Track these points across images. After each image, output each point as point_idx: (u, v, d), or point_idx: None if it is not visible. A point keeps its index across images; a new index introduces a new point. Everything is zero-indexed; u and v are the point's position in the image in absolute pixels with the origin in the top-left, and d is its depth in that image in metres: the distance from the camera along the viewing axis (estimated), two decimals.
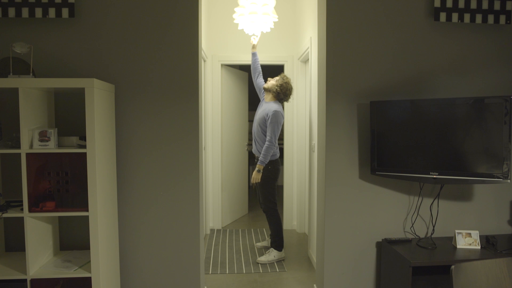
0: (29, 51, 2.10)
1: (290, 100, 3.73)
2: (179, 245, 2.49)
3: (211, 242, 4.23)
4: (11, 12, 2.26)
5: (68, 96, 2.35)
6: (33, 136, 2.00)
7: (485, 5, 2.45)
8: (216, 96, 4.59)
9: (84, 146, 2.04)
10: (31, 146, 2.01)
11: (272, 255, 3.67)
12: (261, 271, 3.46)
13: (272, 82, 3.61)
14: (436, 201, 2.54)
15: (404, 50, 2.51)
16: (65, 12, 2.29)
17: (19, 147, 2.01)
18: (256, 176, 3.54)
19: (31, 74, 2.06)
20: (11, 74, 2.02)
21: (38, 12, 2.27)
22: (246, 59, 4.50)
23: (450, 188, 2.58)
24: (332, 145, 2.51)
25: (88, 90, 1.98)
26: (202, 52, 3.75)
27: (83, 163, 2.01)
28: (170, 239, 2.48)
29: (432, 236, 2.54)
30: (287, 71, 4.52)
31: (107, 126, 2.24)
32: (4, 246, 2.38)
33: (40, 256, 2.15)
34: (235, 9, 3.27)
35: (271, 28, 3.95)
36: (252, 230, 4.70)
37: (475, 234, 2.33)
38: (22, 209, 2.03)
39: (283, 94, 3.55)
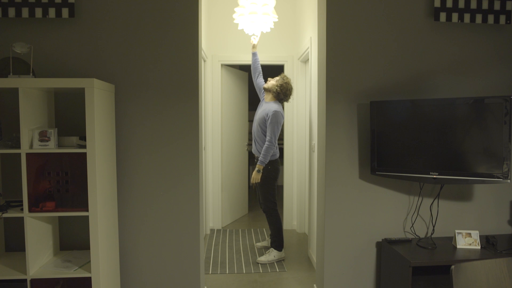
0: (29, 51, 2.10)
1: (290, 100, 3.73)
2: (179, 245, 2.49)
3: (211, 242, 4.23)
4: (11, 12, 2.26)
5: (68, 96, 2.36)
6: (33, 136, 2.00)
7: (485, 5, 2.45)
8: (216, 96, 4.59)
9: (84, 146, 2.04)
10: (31, 146, 2.01)
11: (272, 255, 3.67)
12: (261, 271, 3.46)
13: (272, 82, 3.61)
14: (436, 201, 2.54)
15: (404, 50, 2.51)
16: (65, 12, 2.29)
17: (19, 147, 2.01)
18: (256, 176, 3.54)
19: (31, 74, 2.06)
20: (11, 74, 2.02)
21: (38, 12, 2.27)
22: (246, 59, 4.50)
23: (450, 188, 2.58)
24: (332, 145, 2.51)
25: (88, 90, 1.98)
26: (202, 52, 3.75)
27: (83, 163, 2.02)
28: (170, 239, 2.48)
29: (432, 236, 2.54)
30: (287, 71, 4.52)
31: (107, 126, 2.24)
32: (4, 246, 2.38)
33: (40, 256, 2.15)
34: (235, 9, 3.27)
35: (271, 28, 3.96)
36: (252, 230, 4.70)
37: (475, 234, 2.33)
38: (22, 209, 2.03)
39: (283, 94, 3.55)
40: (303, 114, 4.38)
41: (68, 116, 2.36)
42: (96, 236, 2.03)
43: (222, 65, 4.60)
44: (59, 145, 2.11)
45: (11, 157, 2.33)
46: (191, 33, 2.42)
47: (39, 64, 2.34)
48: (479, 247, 2.31)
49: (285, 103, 4.03)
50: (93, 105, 1.98)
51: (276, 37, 4.51)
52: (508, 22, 2.47)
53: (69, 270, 2.08)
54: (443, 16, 2.44)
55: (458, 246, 2.33)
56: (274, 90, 3.55)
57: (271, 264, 3.62)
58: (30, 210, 2.00)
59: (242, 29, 4.22)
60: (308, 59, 4.01)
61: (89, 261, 2.15)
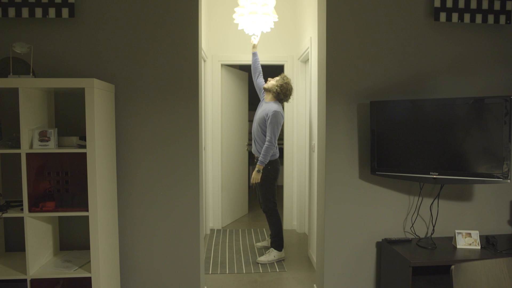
0: (29, 51, 2.10)
1: (290, 100, 3.73)
2: (179, 245, 2.49)
3: (211, 242, 4.23)
4: (11, 12, 2.26)
5: (68, 96, 2.36)
6: (33, 136, 2.00)
7: (485, 5, 2.45)
8: (216, 96, 4.59)
9: (84, 146, 2.04)
10: (31, 146, 2.01)
11: (272, 255, 3.67)
12: (261, 271, 3.46)
13: (272, 82, 3.61)
14: (436, 201, 2.54)
15: (404, 50, 2.51)
16: (65, 12, 2.29)
17: (19, 147, 2.01)
18: (255, 176, 3.54)
19: (31, 74, 2.06)
20: (11, 74, 2.02)
21: (38, 12, 2.27)
22: (246, 59, 4.50)
23: (450, 188, 2.58)
24: (332, 145, 2.51)
25: (88, 90, 1.98)
26: (202, 52, 3.75)
27: (83, 163, 2.02)
28: (170, 239, 2.48)
29: (432, 236, 2.54)
30: (287, 71, 4.52)
31: (107, 126, 2.24)
32: (4, 246, 2.38)
33: (40, 256, 2.15)
34: (235, 9, 3.27)
35: (271, 28, 3.95)
36: (252, 230, 4.70)
37: (475, 234, 2.33)
38: (22, 209, 2.03)
39: (283, 94, 3.55)
40: (303, 114, 4.38)
41: (68, 116, 2.36)
42: (96, 236, 2.03)
43: (222, 65, 4.60)
44: (59, 145, 2.11)
45: (11, 157, 2.33)
46: (191, 33, 2.42)
47: (39, 64, 2.34)
48: (479, 247, 2.31)
49: (285, 103, 4.03)
50: (93, 105, 1.98)
51: (276, 37, 4.51)
52: (508, 22, 2.47)
53: (69, 270, 2.08)
54: (443, 16, 2.44)
55: (458, 246, 2.33)
56: (274, 90, 3.55)
57: (271, 264, 3.62)
58: (30, 210, 2.00)
59: (242, 29, 4.22)
60: (308, 59, 4.01)
61: (89, 261, 2.15)
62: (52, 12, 2.28)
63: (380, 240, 2.57)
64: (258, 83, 3.81)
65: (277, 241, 3.69)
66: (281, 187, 4.83)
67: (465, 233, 2.35)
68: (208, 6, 4.39)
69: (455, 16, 2.44)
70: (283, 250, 3.73)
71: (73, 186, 2.10)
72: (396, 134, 2.37)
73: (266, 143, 3.47)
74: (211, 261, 3.68)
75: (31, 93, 2.03)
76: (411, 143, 2.34)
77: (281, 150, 4.96)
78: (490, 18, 2.46)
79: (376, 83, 2.51)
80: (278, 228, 3.69)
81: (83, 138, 2.11)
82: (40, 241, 2.14)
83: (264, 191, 3.62)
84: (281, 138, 5.34)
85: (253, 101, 5.45)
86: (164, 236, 2.48)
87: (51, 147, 2.01)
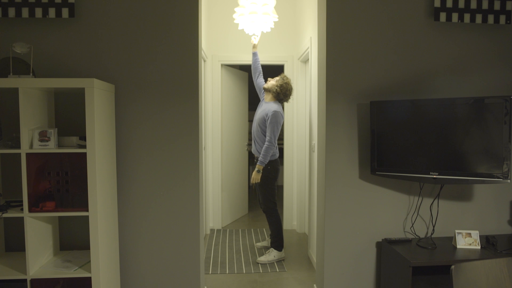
0: (29, 51, 2.10)
1: (290, 100, 3.73)
2: (179, 245, 2.49)
3: (211, 242, 4.23)
4: (11, 12, 2.26)
5: (68, 96, 2.36)
6: (33, 136, 2.00)
7: (485, 5, 2.45)
8: (216, 96, 4.59)
9: (84, 146, 2.04)
10: (31, 146, 2.01)
11: (272, 255, 3.67)
12: (261, 271, 3.46)
13: (272, 82, 3.61)
14: (436, 201, 2.54)
15: (404, 50, 2.51)
16: (65, 12, 2.29)
17: (19, 147, 2.01)
18: (255, 176, 3.54)
19: (31, 74, 2.06)
20: (11, 74, 2.02)
21: (38, 12, 2.27)
22: (246, 59, 4.50)
23: (450, 188, 2.58)
24: (332, 145, 2.51)
25: (88, 90, 1.98)
26: (202, 52, 3.75)
27: (83, 163, 2.01)
28: (170, 239, 2.48)
29: (432, 236, 2.54)
30: (287, 71, 4.52)
31: (107, 126, 2.24)
32: (4, 246, 2.38)
33: (40, 256, 2.15)
34: (235, 9, 3.27)
35: (271, 28, 3.95)
36: (252, 230, 4.70)
37: (475, 234, 2.33)
38: (22, 209, 2.03)
39: (283, 94, 3.55)
40: (303, 114, 4.38)
41: (68, 116, 2.36)
42: (96, 236, 2.03)
43: (222, 65, 4.60)
44: (59, 145, 2.11)
45: (11, 157, 2.33)
46: (191, 33, 2.42)
47: (39, 64, 2.34)
48: (479, 247, 2.31)
49: (285, 103, 4.03)
50: (93, 105, 1.98)
51: (276, 37, 4.51)
52: (508, 22, 2.47)
53: (69, 270, 2.08)
54: (443, 16, 2.44)
55: (458, 246, 2.33)
56: (274, 90, 3.55)
57: (271, 264, 3.62)
58: (30, 210, 2.00)
59: (242, 29, 4.21)
60: (308, 59, 4.01)
61: (89, 261, 2.15)
62: (52, 12, 2.28)
63: (380, 240, 2.57)
64: (258, 83, 3.81)
65: (277, 241, 3.69)
66: (281, 187, 4.83)
67: (465, 233, 2.35)
68: (208, 6, 4.39)
69: (455, 16, 2.44)
70: (283, 250, 3.73)
71: (73, 186, 2.10)
72: (396, 134, 2.37)
73: (266, 143, 3.47)
74: (211, 261, 3.68)
75: (31, 93, 2.03)
76: (411, 143, 2.34)
77: (281, 150, 4.95)
78: (490, 18, 2.46)
79: (376, 83, 2.51)
80: (278, 228, 3.69)
81: (83, 138, 2.11)
82: (40, 241, 2.14)
83: (264, 191, 3.62)
84: (281, 138, 5.33)
85: (253, 101, 5.44)
86: (164, 236, 2.48)
87: (51, 147, 2.01)
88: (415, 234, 2.58)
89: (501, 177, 2.13)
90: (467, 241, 2.33)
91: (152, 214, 2.47)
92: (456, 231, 2.36)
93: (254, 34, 3.79)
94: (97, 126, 2.04)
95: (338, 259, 2.56)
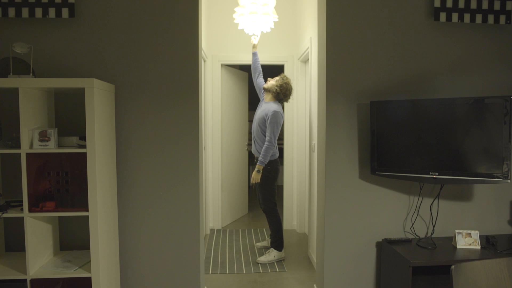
0: (29, 51, 2.10)
1: (290, 100, 3.72)
2: (179, 245, 2.49)
3: (211, 242, 4.23)
4: (11, 12, 2.26)
5: (68, 96, 2.36)
6: (33, 136, 2.00)
7: (485, 5, 2.45)
8: (216, 96, 4.59)
9: (84, 146, 2.04)
10: (31, 146, 2.01)
11: (272, 255, 3.67)
12: (261, 271, 3.46)
13: (272, 82, 3.61)
14: (436, 201, 2.54)
15: (404, 50, 2.51)
16: (65, 12, 2.29)
17: (19, 147, 2.01)
18: (255, 176, 3.54)
19: (31, 74, 2.06)
20: (11, 74, 2.02)
21: (38, 12, 2.27)
22: (246, 59, 4.50)
23: (450, 188, 2.58)
24: (332, 145, 2.51)
25: (88, 90, 1.98)
26: (202, 52, 3.75)
27: (83, 163, 2.01)
28: (170, 239, 2.48)
29: (432, 236, 2.54)
30: (287, 71, 4.52)
31: (107, 126, 2.24)
32: (4, 246, 2.38)
33: (40, 256, 2.15)
34: (235, 9, 3.27)
35: (271, 28, 3.95)
36: (252, 230, 4.70)
37: (475, 234, 2.33)
38: (22, 209, 2.03)
39: (282, 94, 3.55)
40: (303, 114, 4.38)
41: (68, 116, 2.36)
42: (96, 236, 2.03)
43: (222, 65, 4.60)
44: (59, 145, 2.11)
45: (11, 157, 2.33)
46: (191, 33, 2.42)
47: (39, 64, 2.34)
48: (479, 247, 2.31)
49: (285, 103, 4.03)
50: (93, 105, 1.98)
51: (276, 37, 4.51)
52: (508, 22, 2.47)
53: (69, 270, 2.08)
54: (443, 16, 2.44)
55: (458, 246, 2.33)
56: (274, 90, 3.55)
57: (271, 264, 3.62)
58: (30, 210, 2.00)
59: (242, 29, 4.21)
60: (308, 59, 4.01)
61: (89, 261, 2.15)
62: (52, 12, 2.28)
63: (380, 240, 2.57)
64: (258, 83, 3.81)
65: (277, 241, 3.69)
66: (281, 187, 4.83)
67: (465, 233, 2.35)
68: (208, 6, 4.39)
69: (455, 16, 2.44)
70: (283, 250, 3.73)
71: (73, 186, 2.10)
72: (396, 134, 2.37)
73: (266, 143, 3.47)
74: (211, 261, 3.68)
75: (31, 93, 2.03)
76: (411, 143, 2.34)
77: (281, 150, 4.95)
78: (490, 18, 2.46)
79: (376, 83, 2.51)
80: (278, 228, 3.69)
81: (83, 138, 2.11)
82: (40, 241, 2.14)
83: (264, 191, 3.62)
84: (281, 138, 5.33)
85: (253, 101, 5.44)
86: (164, 236, 2.48)
87: (51, 147, 2.01)
88: (415, 234, 2.57)
89: (501, 177, 2.13)
90: (467, 241, 2.33)
91: (152, 214, 2.47)
92: (456, 231, 2.36)
93: (254, 34, 3.79)
94: (97, 126, 2.04)
95: (338, 259, 2.56)
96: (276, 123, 3.46)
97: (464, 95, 2.54)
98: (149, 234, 2.48)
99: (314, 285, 2.96)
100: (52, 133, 2.01)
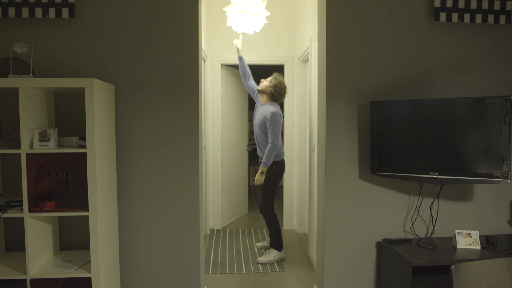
0: (29, 51, 2.10)
1: (285, 99, 3.71)
2: (179, 245, 2.49)
3: (211, 242, 4.23)
4: (11, 12, 2.26)
5: (68, 96, 2.35)
6: (33, 136, 2.00)
7: (485, 5, 2.45)
8: (216, 96, 4.59)
9: (84, 146, 2.04)
10: (31, 146, 2.01)
11: (272, 255, 3.67)
12: (261, 271, 3.46)
13: (265, 83, 3.59)
14: (436, 201, 2.54)
15: (404, 50, 2.51)
16: (65, 12, 2.29)
17: (19, 147, 2.01)
18: (259, 178, 3.53)
19: (31, 74, 2.06)
20: (11, 74, 2.02)
21: (38, 12, 2.27)
22: (246, 59, 4.49)
23: (450, 188, 2.58)
24: (332, 145, 2.51)
25: (88, 90, 1.97)
26: (202, 52, 3.75)
27: (83, 163, 2.01)
28: (170, 239, 2.48)
29: (432, 236, 2.54)
30: (287, 71, 4.52)
31: (107, 126, 2.24)
32: (4, 246, 2.38)
33: (40, 256, 2.15)
34: (225, 8, 3.21)
35: (271, 28, 3.95)
36: (252, 230, 4.70)
37: (475, 234, 2.33)
38: (22, 209, 2.03)
39: (277, 94, 3.54)
40: (303, 114, 4.38)
41: (68, 116, 2.36)
42: (96, 236, 2.03)
43: (222, 65, 4.60)
44: (59, 145, 2.11)
45: (11, 157, 2.33)
46: (191, 33, 2.42)
47: (39, 64, 2.34)
48: (479, 247, 2.31)
49: (285, 103, 4.03)
50: (93, 105, 1.98)
51: (276, 37, 4.51)
52: (508, 22, 2.47)
53: (69, 270, 2.08)
54: (443, 16, 2.44)
55: (458, 246, 2.33)
56: (268, 91, 3.54)
57: (271, 264, 3.62)
58: (30, 210, 2.00)
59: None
60: (308, 59, 4.01)
61: (89, 261, 2.15)
62: (52, 12, 2.28)
63: (380, 240, 2.57)
64: (250, 85, 3.79)
65: (277, 241, 3.69)
66: (281, 187, 4.83)
67: (465, 233, 2.35)
68: (208, 6, 4.39)
69: (455, 16, 2.44)
70: (283, 250, 3.73)
71: (73, 186, 2.10)
72: (396, 134, 2.37)
73: (269, 145, 3.47)
74: (211, 261, 3.68)
75: (31, 93, 2.03)
76: (411, 143, 2.34)
77: None
78: (490, 18, 2.46)
79: (376, 83, 2.51)
80: (276, 228, 3.68)
81: (83, 138, 2.11)
82: (40, 241, 2.14)
83: (265, 191, 3.62)
84: (281, 138, 5.34)
85: (253, 101, 5.44)
86: (164, 236, 2.48)
87: (51, 147, 2.01)
88: (415, 234, 2.57)
89: (501, 177, 2.13)
90: (467, 241, 2.33)
91: (152, 214, 2.47)
92: (456, 231, 2.36)
93: (235, 39, 3.76)
94: (97, 126, 2.04)
95: (338, 259, 2.56)
96: (276, 124, 3.46)
97: (464, 95, 2.54)
98: (149, 234, 2.48)
99: (314, 285, 2.96)
100: (52, 133, 2.01)
